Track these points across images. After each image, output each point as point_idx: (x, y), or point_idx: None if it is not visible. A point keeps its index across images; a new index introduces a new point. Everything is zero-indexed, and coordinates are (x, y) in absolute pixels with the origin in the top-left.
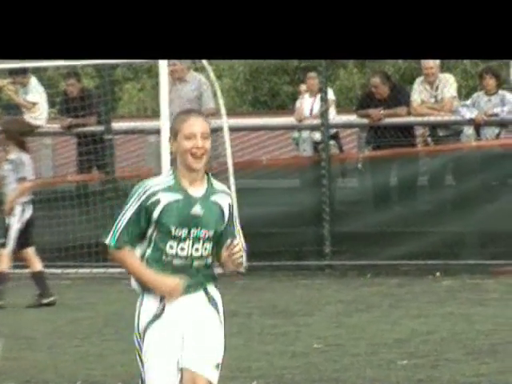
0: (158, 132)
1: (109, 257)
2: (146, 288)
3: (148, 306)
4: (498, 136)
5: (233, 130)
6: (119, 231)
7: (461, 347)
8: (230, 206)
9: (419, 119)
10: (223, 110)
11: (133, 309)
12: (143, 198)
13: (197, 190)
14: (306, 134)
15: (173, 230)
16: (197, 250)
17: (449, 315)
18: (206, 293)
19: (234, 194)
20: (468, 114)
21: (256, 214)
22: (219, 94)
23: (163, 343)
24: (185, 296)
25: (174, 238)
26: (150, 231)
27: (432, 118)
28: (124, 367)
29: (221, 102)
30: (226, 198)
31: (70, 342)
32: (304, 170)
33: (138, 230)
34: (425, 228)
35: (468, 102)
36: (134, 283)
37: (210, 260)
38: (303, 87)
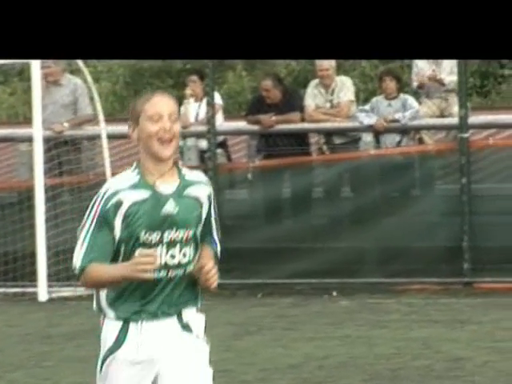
0: (30, 140)
1: (80, 284)
2: (104, 311)
3: (107, 333)
4: (398, 144)
5: (112, 137)
6: (83, 252)
7: (359, 372)
8: (210, 197)
9: (314, 126)
10: (101, 116)
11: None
12: (102, 202)
13: (167, 186)
14: (191, 141)
15: (142, 235)
16: (172, 256)
17: (346, 338)
18: (180, 320)
19: None
20: (366, 119)
21: None
22: (97, 98)
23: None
24: (152, 322)
25: (143, 244)
26: (116, 239)
27: (328, 125)
28: None
29: (98, 107)
30: (203, 188)
31: None
32: None
33: (106, 244)
34: (320, 244)
35: (367, 106)
36: (94, 304)
37: (189, 269)
38: (188, 91)
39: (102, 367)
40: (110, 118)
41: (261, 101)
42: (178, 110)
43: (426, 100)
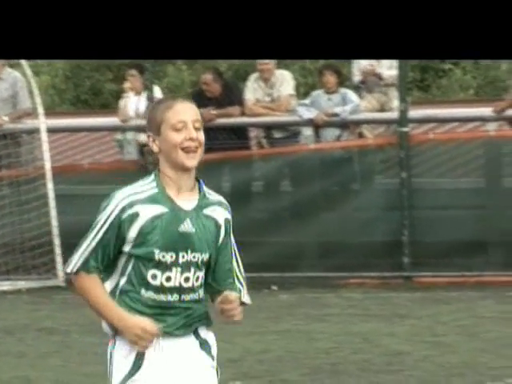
0: None
1: (71, 287)
2: (117, 333)
3: (122, 354)
4: (338, 138)
5: (51, 131)
6: (84, 256)
7: (299, 367)
8: (228, 223)
9: (253, 120)
10: (41, 110)
11: None
12: (116, 211)
13: (187, 201)
14: (130, 135)
15: (156, 253)
16: (187, 279)
17: (286, 332)
18: (197, 336)
19: (51, 202)
20: (306, 113)
21: (76, 223)
22: (36, 92)
23: None
24: (170, 340)
25: (158, 264)
26: (123, 258)
27: (267, 119)
28: None
29: (38, 100)
30: (223, 212)
31: None
32: (128, 175)
33: (109, 255)
34: (260, 238)
35: (307, 100)
36: (104, 323)
37: (202, 293)
38: (127, 85)
39: None
40: (50, 112)
41: (201, 95)
42: (200, 116)
43: (366, 94)
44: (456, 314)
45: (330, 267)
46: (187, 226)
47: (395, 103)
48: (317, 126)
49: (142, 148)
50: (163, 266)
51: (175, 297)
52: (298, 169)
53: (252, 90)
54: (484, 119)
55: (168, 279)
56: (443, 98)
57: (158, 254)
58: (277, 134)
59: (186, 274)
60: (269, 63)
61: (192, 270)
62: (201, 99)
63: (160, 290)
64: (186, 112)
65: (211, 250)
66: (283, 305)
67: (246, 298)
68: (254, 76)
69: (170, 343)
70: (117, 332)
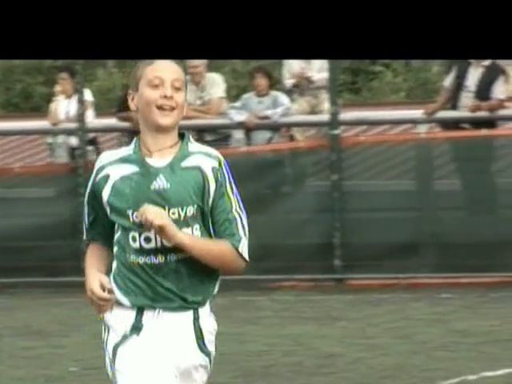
0: None
1: None
2: (117, 301)
3: (120, 314)
4: (269, 141)
5: None
6: (85, 226)
7: (231, 369)
8: (217, 172)
9: (184, 122)
10: None
11: None
12: (93, 176)
13: (161, 159)
14: (61, 138)
15: (130, 214)
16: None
17: (218, 335)
18: (195, 321)
19: None
20: (237, 116)
21: (6, 227)
22: None
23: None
24: (170, 313)
25: (134, 225)
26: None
27: (198, 122)
28: None
29: None
30: (206, 160)
31: None
32: (59, 178)
33: (103, 222)
34: None
35: (238, 103)
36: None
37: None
38: (58, 88)
39: (115, 352)
40: None
41: None
42: (185, 81)
43: (297, 97)
44: (388, 316)
45: (262, 270)
46: (160, 183)
47: (326, 106)
48: (248, 128)
49: (73, 151)
50: (139, 226)
51: (160, 258)
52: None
53: None
54: (415, 121)
55: (147, 240)
56: (374, 100)
57: (132, 214)
58: (208, 137)
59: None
60: (199, 66)
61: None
62: None
63: (142, 252)
64: (165, 69)
65: (197, 201)
66: (216, 307)
67: (245, 252)
68: None
69: (169, 316)
70: (116, 302)
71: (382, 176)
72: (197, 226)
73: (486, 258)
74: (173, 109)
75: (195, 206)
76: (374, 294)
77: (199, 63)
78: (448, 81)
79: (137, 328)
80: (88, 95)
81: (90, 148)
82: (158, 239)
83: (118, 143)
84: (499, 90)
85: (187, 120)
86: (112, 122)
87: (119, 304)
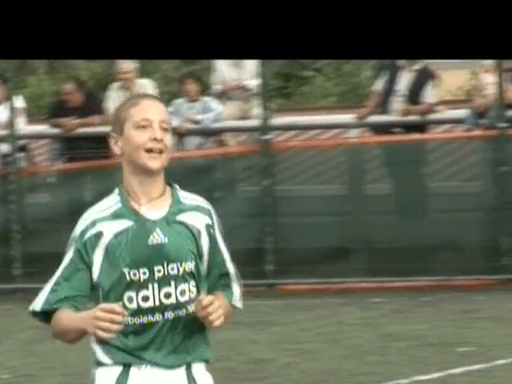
0: None
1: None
2: (99, 361)
3: (103, 377)
4: (201, 146)
5: None
6: (47, 292)
7: None
8: (209, 228)
9: None
10: None
11: None
12: (78, 235)
13: (155, 210)
14: None
15: (126, 273)
16: (167, 295)
17: None
18: (189, 374)
19: None
20: None
21: None
22: None
23: None
24: (157, 372)
25: (131, 284)
26: (97, 282)
27: None
28: None
29: None
30: (201, 217)
31: None
32: None
33: (80, 284)
34: None
35: (169, 109)
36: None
37: (191, 310)
38: None
39: None
40: None
41: (62, 104)
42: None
43: (228, 102)
44: (319, 321)
45: None
46: (157, 237)
47: (257, 111)
48: (179, 134)
49: (4, 158)
50: (137, 286)
51: (158, 316)
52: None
53: (114, 99)
54: (346, 126)
55: (145, 299)
56: (305, 105)
57: (129, 273)
58: None
59: (165, 290)
60: (130, 72)
61: (172, 283)
62: (62, 109)
63: (139, 312)
64: (152, 110)
65: (192, 259)
66: None
67: (239, 302)
68: (115, 85)
69: (157, 373)
70: (98, 361)
71: (314, 181)
72: (193, 283)
73: (417, 262)
74: (161, 152)
75: (193, 262)
76: (305, 299)
77: (130, 69)
78: (379, 85)
79: None
80: (20, 102)
81: (21, 154)
82: (157, 296)
83: (48, 149)
84: (430, 94)
85: None
86: (43, 128)
87: (101, 364)
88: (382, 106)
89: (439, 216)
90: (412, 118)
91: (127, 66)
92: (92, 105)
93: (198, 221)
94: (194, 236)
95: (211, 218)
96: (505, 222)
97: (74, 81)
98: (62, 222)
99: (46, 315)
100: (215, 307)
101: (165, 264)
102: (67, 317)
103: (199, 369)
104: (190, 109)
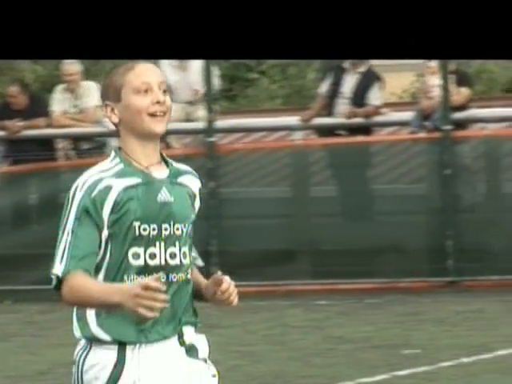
0: None
1: (61, 298)
2: (94, 337)
3: (99, 357)
4: None
5: None
6: (65, 255)
7: None
8: (201, 193)
9: (60, 131)
10: None
11: None
12: (83, 192)
13: (158, 171)
14: None
15: (136, 226)
16: (173, 255)
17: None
18: (182, 342)
19: None
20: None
21: None
22: None
23: None
24: (152, 345)
25: (139, 239)
26: (103, 238)
27: (74, 130)
28: None
29: None
30: (195, 180)
31: None
32: None
33: (93, 243)
34: None
35: None
36: (75, 325)
37: (190, 274)
38: None
39: None
40: None
41: (7, 106)
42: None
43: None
44: (265, 324)
45: None
46: (165, 195)
47: (202, 113)
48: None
49: None
50: (145, 241)
51: (162, 277)
52: None
53: (59, 102)
54: (291, 128)
55: (152, 256)
56: (251, 107)
57: (139, 227)
58: (84, 146)
59: (171, 249)
60: (75, 74)
61: (177, 244)
62: (7, 111)
63: (145, 270)
64: (150, 73)
65: (191, 221)
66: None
67: (199, 261)
68: (60, 87)
69: (151, 350)
70: (92, 339)
71: (259, 183)
72: (191, 246)
73: (363, 264)
74: (164, 114)
75: (190, 224)
76: (251, 302)
77: (75, 71)
78: (323, 88)
79: (117, 373)
80: None
81: None
82: (163, 255)
83: None
84: (375, 97)
85: (62, 128)
86: None
87: (96, 341)
88: (327, 109)
89: (384, 218)
90: (357, 120)
91: (72, 68)
92: (37, 107)
93: (194, 184)
94: (191, 199)
95: (201, 182)
96: (450, 224)
97: (19, 83)
98: (6, 225)
99: (58, 281)
100: (233, 287)
101: (171, 222)
102: (97, 287)
103: (190, 331)
104: None
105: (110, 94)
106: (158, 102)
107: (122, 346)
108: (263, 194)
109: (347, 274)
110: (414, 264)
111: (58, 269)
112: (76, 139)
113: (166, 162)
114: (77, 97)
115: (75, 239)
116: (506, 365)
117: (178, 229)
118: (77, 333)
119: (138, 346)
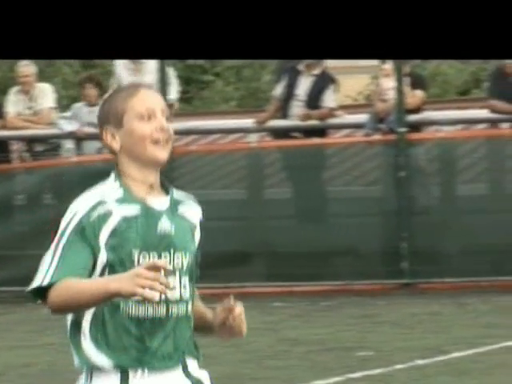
0: None
1: (47, 306)
2: (94, 365)
3: None
4: (100, 150)
5: None
6: (53, 266)
7: (61, 380)
8: (200, 222)
9: (15, 133)
10: None
11: None
12: (81, 214)
13: (158, 201)
14: None
15: (135, 254)
16: (172, 287)
17: (49, 345)
18: (187, 374)
19: None
20: (68, 126)
21: None
22: None
23: None
24: (155, 376)
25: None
26: (100, 263)
27: (29, 132)
28: None
29: None
30: (195, 209)
31: None
32: None
33: (81, 263)
34: (22, 251)
35: (68, 113)
36: (74, 352)
37: (190, 307)
38: None
39: None
40: None
41: None
42: None
43: None
44: None
45: None
46: (165, 225)
47: None
48: (78, 138)
49: None
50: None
51: (162, 309)
52: (60, 182)
53: (13, 103)
54: (246, 130)
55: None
56: (206, 109)
57: (138, 255)
58: (38, 147)
59: (170, 281)
60: (29, 75)
61: (177, 274)
62: None
63: (142, 301)
64: (153, 99)
65: (191, 252)
66: (47, 318)
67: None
68: (15, 89)
69: (156, 378)
70: (93, 367)
71: (214, 185)
72: (191, 278)
73: (317, 266)
74: (167, 141)
75: (191, 256)
76: (205, 303)
77: (29, 72)
78: (278, 90)
79: None
80: None
81: None
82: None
83: None
84: (330, 99)
85: (17, 130)
86: None
87: (96, 369)
88: (282, 111)
89: (339, 220)
90: (312, 122)
91: (27, 69)
92: None
93: (194, 214)
94: (192, 231)
95: (200, 212)
96: (404, 226)
97: None
98: None
99: (41, 292)
100: (243, 315)
101: (171, 252)
102: (88, 281)
103: (193, 363)
104: (90, 113)
105: (111, 119)
106: (162, 129)
107: (124, 373)
108: (218, 196)
109: (302, 276)
110: (368, 266)
111: (42, 278)
112: (30, 141)
113: (167, 190)
114: (31, 99)
115: (67, 252)
116: (461, 367)
117: (178, 258)
118: (76, 362)
119: (140, 372)
